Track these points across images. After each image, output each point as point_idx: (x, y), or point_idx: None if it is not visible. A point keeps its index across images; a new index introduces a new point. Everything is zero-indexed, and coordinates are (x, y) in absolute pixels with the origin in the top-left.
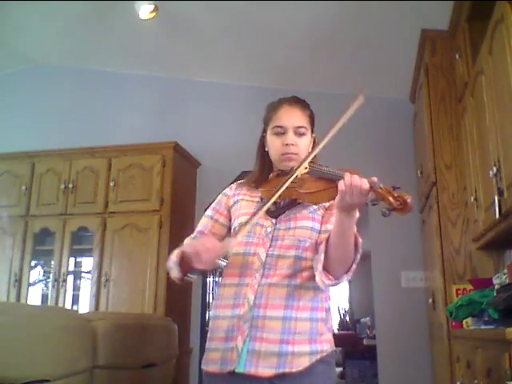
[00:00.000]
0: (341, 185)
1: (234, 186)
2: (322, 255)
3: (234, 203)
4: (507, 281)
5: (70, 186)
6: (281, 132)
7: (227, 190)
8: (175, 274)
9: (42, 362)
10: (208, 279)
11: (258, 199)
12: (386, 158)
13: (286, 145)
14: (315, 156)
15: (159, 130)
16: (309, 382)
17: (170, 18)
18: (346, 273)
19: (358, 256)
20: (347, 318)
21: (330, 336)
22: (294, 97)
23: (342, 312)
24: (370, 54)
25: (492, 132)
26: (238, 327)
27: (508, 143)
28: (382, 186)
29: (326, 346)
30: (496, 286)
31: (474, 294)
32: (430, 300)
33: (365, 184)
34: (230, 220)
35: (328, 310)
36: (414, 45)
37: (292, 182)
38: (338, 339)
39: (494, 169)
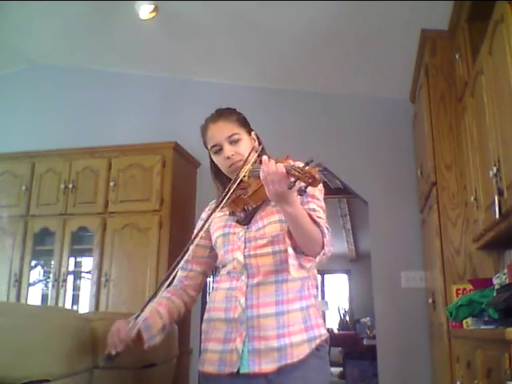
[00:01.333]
0: (261, 175)
1: (206, 208)
2: (290, 248)
3: (211, 221)
4: (507, 281)
5: (70, 185)
6: (218, 149)
7: (203, 214)
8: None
9: (42, 361)
10: (208, 279)
11: (227, 212)
12: (385, 158)
13: (227, 158)
14: (263, 149)
15: (159, 130)
16: (302, 375)
17: (170, 18)
18: (322, 248)
19: (325, 230)
20: (347, 318)
21: (321, 321)
22: (216, 111)
23: (342, 312)
24: (370, 54)
25: (492, 132)
26: (235, 329)
27: (508, 143)
28: (295, 167)
29: (323, 330)
30: (496, 286)
31: (473, 294)
32: (430, 300)
33: (280, 168)
34: (211, 239)
35: (316, 296)
36: (414, 45)
37: (240, 189)
38: (338, 339)
39: (494, 169)
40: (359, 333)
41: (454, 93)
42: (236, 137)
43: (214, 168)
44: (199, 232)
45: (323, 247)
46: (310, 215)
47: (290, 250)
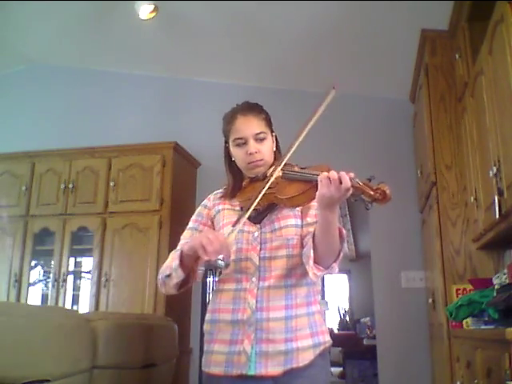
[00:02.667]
0: (322, 179)
1: (211, 196)
2: (311, 251)
3: (217, 213)
4: (507, 281)
5: (70, 186)
6: (242, 143)
7: (206, 202)
8: (177, 277)
9: (42, 361)
10: (208, 279)
11: (238, 208)
12: (386, 158)
13: (250, 154)
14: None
15: (159, 130)
16: (308, 374)
17: (170, 18)
18: (335, 261)
19: (345, 245)
20: (347, 318)
21: (326, 328)
22: (246, 104)
23: (342, 312)
24: (370, 54)
25: (492, 132)
26: (243, 331)
27: (508, 143)
28: (358, 181)
29: (327, 336)
30: (496, 286)
31: (474, 293)
32: (430, 300)
33: (345, 177)
34: (214, 230)
35: (320, 303)
36: (414, 45)
37: (269, 188)
38: (338, 339)
39: (494, 169)
40: (359, 333)
41: (454, 93)
42: (262, 135)
43: (228, 158)
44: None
45: (336, 260)
46: (339, 229)
47: (312, 253)
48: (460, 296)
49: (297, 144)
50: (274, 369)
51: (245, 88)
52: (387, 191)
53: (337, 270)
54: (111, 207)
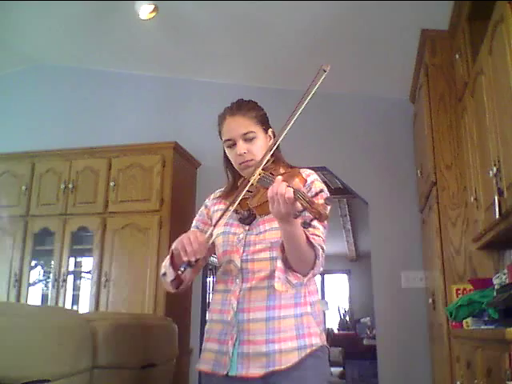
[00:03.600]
0: (268, 193)
1: (211, 196)
2: (279, 262)
3: (213, 213)
4: (507, 281)
5: (70, 186)
6: (231, 144)
7: (206, 201)
8: (170, 275)
9: (42, 361)
10: (208, 279)
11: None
12: (386, 158)
13: (239, 155)
14: (279, 150)
15: (159, 130)
16: (297, 374)
17: (170, 18)
18: (312, 269)
19: (319, 252)
20: (347, 318)
21: (318, 330)
22: (236, 103)
23: (342, 312)
24: (370, 53)
25: (492, 132)
26: (228, 332)
27: (508, 143)
28: (304, 196)
29: (315, 339)
30: (496, 286)
31: (474, 293)
32: (430, 300)
33: (289, 193)
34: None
35: (313, 304)
36: (414, 45)
37: (248, 192)
38: (338, 339)
39: (494, 169)
40: (359, 333)
41: (454, 93)
42: (251, 135)
43: (226, 158)
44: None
45: (313, 268)
46: (307, 236)
47: (279, 263)
48: (460, 296)
49: (282, 136)
50: (254, 370)
51: (245, 88)
52: (322, 212)
53: (316, 274)
54: (111, 207)
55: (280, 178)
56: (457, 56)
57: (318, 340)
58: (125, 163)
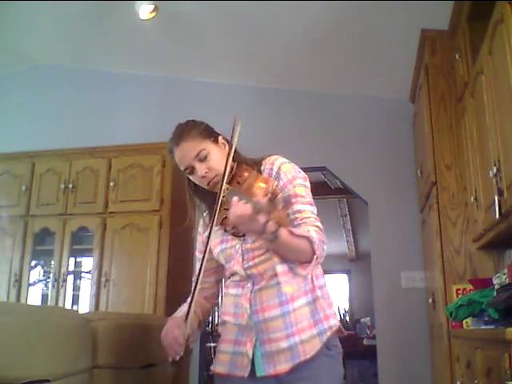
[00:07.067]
0: (230, 217)
1: (201, 222)
2: (278, 266)
3: (206, 237)
4: (507, 281)
5: (70, 185)
6: (191, 171)
7: (199, 229)
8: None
9: (42, 362)
10: None
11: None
12: (386, 158)
13: (202, 177)
14: (236, 152)
15: (159, 130)
16: (312, 375)
17: (170, 18)
18: (314, 253)
19: (313, 236)
20: (347, 318)
21: (332, 310)
22: (176, 131)
23: (342, 312)
24: (370, 54)
25: (492, 132)
26: (246, 334)
27: (508, 143)
28: (264, 207)
29: (333, 320)
30: (496, 286)
31: (473, 293)
32: (430, 300)
33: (246, 211)
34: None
35: (322, 287)
36: (414, 45)
37: (225, 209)
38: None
39: (494, 169)
40: (359, 333)
41: (454, 93)
42: (203, 153)
43: (192, 184)
44: (206, 248)
45: (314, 252)
46: (291, 232)
47: (279, 268)
48: (460, 296)
49: (233, 147)
50: (281, 366)
51: (245, 88)
52: (283, 220)
53: (323, 254)
54: (111, 207)
55: (235, 199)
56: (457, 56)
57: (336, 321)
58: (125, 163)
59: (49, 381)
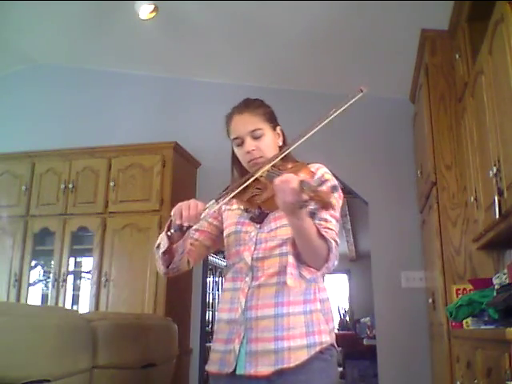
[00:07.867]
0: (275, 182)
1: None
2: (290, 257)
3: (224, 211)
4: (507, 281)
5: (70, 186)
6: (240, 142)
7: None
8: (163, 246)
9: (42, 361)
10: (208, 279)
11: (241, 207)
12: (386, 158)
13: (248, 152)
14: (286, 145)
15: (159, 130)
16: (304, 378)
17: (170, 18)
18: (326, 262)
19: (332, 245)
20: (347, 318)
21: (329, 327)
22: (244, 101)
23: (342, 312)
24: (370, 53)
25: (492, 132)
26: (236, 330)
27: (508, 143)
28: (310, 186)
29: (326, 337)
30: (496, 286)
31: (473, 294)
32: (430, 300)
33: (294, 182)
34: (223, 224)
35: (324, 301)
36: (414, 45)
37: (257, 189)
38: (337, 339)
39: (494, 169)
40: (359, 333)
41: (454, 93)
42: (259, 132)
43: (234, 157)
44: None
45: (327, 261)
46: (317, 229)
47: (291, 259)
48: (460, 296)
49: (299, 142)
50: (263, 368)
51: (245, 88)
52: (328, 201)
53: (331, 269)
54: (111, 207)
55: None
56: (457, 56)
57: (328, 338)
58: (125, 163)
59: (49, 381)
